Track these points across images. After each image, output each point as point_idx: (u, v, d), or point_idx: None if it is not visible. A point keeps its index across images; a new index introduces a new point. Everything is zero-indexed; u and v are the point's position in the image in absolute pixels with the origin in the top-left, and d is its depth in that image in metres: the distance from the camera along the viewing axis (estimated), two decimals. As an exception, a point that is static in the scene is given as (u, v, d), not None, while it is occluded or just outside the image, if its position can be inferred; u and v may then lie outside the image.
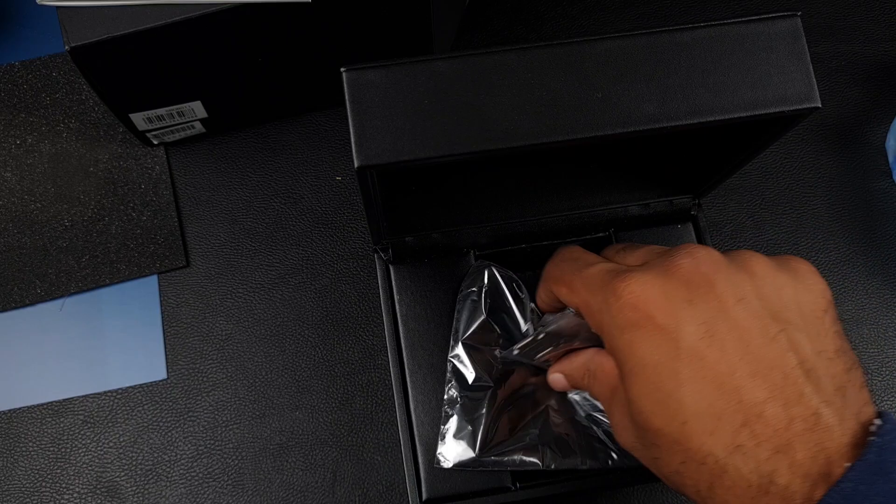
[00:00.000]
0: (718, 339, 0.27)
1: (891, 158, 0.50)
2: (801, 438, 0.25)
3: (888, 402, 0.47)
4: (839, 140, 0.52)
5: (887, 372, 0.48)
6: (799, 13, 0.30)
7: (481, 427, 0.39)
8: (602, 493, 0.46)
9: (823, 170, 0.51)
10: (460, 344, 0.41)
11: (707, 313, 0.27)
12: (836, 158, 0.51)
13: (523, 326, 0.40)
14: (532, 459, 0.39)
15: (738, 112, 0.29)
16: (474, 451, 0.39)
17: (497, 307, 0.41)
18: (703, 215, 0.43)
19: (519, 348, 0.38)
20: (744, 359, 0.26)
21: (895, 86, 0.53)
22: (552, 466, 0.39)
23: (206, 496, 0.45)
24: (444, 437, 0.39)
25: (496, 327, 0.41)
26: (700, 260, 0.28)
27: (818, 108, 0.30)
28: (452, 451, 0.39)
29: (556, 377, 0.37)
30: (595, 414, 0.40)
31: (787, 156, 0.51)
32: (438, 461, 0.39)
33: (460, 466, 0.39)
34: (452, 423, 0.39)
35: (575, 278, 0.32)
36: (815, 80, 0.30)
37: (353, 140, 0.28)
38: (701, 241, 0.43)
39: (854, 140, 0.52)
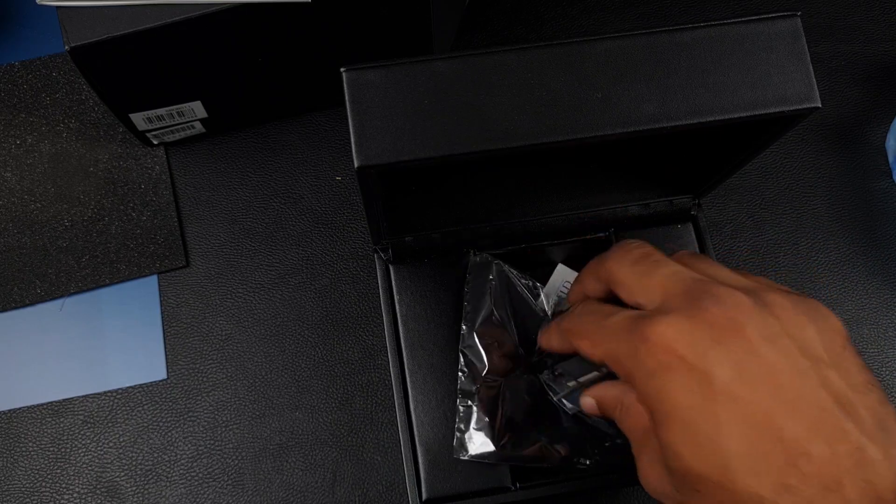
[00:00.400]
0: (749, 378, 0.27)
1: (891, 158, 0.50)
2: (849, 475, 0.25)
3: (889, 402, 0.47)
4: (839, 140, 0.52)
5: (887, 372, 0.48)
6: (799, 13, 0.30)
7: (497, 420, 0.39)
8: (602, 493, 0.46)
9: (823, 170, 0.51)
10: (474, 335, 0.41)
11: (737, 353, 0.27)
12: (836, 158, 0.51)
13: (535, 306, 0.41)
14: (546, 454, 0.39)
15: (738, 112, 0.29)
16: (493, 444, 0.39)
17: (507, 298, 0.41)
18: (703, 215, 0.43)
19: (577, 381, 0.38)
20: (777, 397, 0.26)
21: (895, 86, 0.53)
22: (558, 463, 0.39)
23: (206, 496, 0.45)
24: (465, 429, 0.39)
25: (506, 318, 0.41)
26: (727, 304, 0.28)
27: (818, 108, 0.30)
28: (474, 443, 0.39)
29: (588, 401, 0.36)
30: (580, 414, 0.41)
31: (787, 156, 0.51)
32: (459, 452, 0.39)
33: (479, 459, 0.39)
34: (472, 414, 0.40)
35: (597, 330, 0.31)
36: (815, 80, 0.30)
37: (353, 140, 0.28)
38: (701, 241, 0.43)
39: (854, 140, 0.52)
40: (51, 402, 0.46)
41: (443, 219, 0.42)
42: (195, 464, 0.45)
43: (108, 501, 0.45)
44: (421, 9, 0.42)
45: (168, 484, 0.45)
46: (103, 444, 0.46)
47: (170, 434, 0.46)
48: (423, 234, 0.41)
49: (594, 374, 0.35)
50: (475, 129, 0.29)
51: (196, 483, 0.45)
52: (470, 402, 0.40)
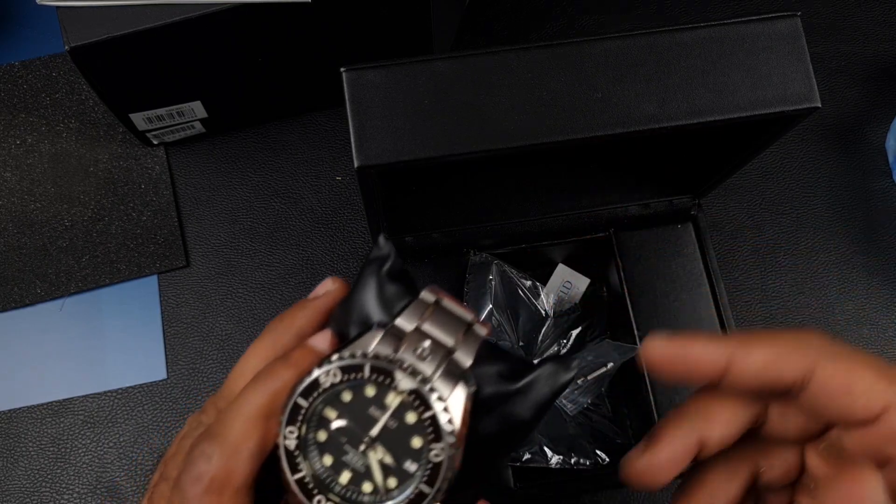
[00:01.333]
0: None
1: (891, 158, 0.50)
2: None
3: (888, 402, 0.47)
4: (839, 140, 0.52)
5: (887, 372, 0.48)
6: (799, 13, 0.30)
7: None
8: (602, 493, 0.46)
9: (823, 170, 0.51)
10: None
11: None
12: (836, 158, 0.51)
13: (535, 306, 0.40)
14: (546, 454, 0.39)
15: (738, 112, 0.29)
16: None
17: (507, 298, 0.41)
18: (703, 215, 0.43)
19: (585, 378, 0.38)
20: None
21: (895, 86, 0.53)
22: (556, 464, 0.39)
23: (206, 496, 0.45)
24: None
25: (506, 318, 0.41)
26: None
27: (818, 108, 0.30)
28: None
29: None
30: (583, 413, 0.41)
31: (787, 156, 0.51)
32: None
33: None
34: None
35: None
36: (814, 80, 0.30)
37: (353, 140, 0.28)
38: (701, 241, 0.43)
39: (854, 140, 0.52)
40: (51, 402, 0.46)
41: (443, 219, 0.42)
42: (195, 464, 0.45)
43: (108, 501, 0.45)
44: (421, 9, 0.42)
45: (168, 484, 0.45)
46: (103, 444, 0.46)
47: (170, 434, 0.46)
48: (423, 234, 0.41)
49: (601, 371, 0.35)
50: (475, 129, 0.29)
51: (196, 483, 0.45)
52: None
